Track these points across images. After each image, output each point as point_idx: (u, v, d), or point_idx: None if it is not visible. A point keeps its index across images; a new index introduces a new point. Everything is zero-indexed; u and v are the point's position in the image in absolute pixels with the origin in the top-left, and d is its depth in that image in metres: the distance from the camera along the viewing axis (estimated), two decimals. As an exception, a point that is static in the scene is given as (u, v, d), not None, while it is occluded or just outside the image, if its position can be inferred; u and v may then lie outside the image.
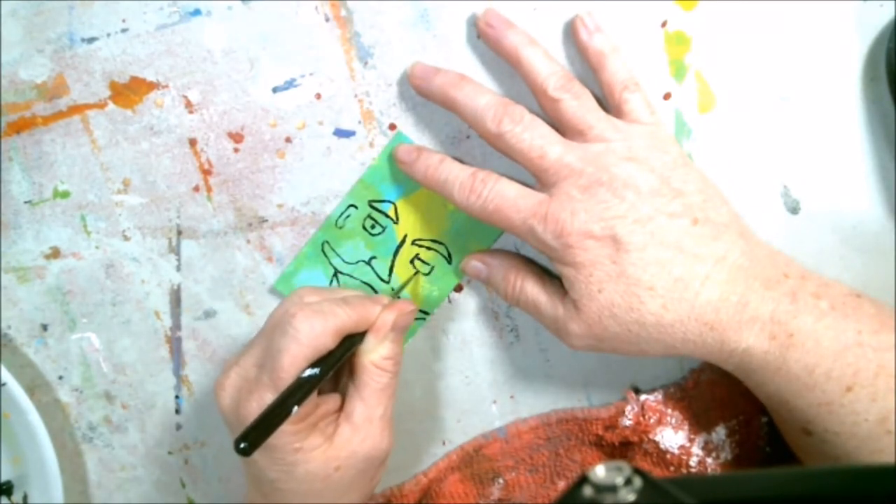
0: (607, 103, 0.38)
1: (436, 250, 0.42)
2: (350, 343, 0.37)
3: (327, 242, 0.42)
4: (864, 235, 0.41)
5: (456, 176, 0.38)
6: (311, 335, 0.35)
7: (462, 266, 0.42)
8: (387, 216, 0.42)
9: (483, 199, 0.37)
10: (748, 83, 0.40)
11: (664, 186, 0.36)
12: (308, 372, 0.35)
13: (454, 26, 0.39)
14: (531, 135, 0.36)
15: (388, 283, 0.43)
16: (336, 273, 0.43)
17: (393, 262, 0.42)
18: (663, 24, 0.39)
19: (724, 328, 0.35)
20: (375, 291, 0.43)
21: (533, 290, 0.39)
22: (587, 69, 0.39)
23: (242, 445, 0.33)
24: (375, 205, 0.42)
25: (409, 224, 0.42)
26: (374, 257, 0.42)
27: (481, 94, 0.37)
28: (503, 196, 0.37)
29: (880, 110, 0.40)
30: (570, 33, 0.38)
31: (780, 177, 0.41)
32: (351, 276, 0.43)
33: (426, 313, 0.43)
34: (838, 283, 0.36)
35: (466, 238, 0.42)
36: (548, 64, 0.37)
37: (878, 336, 0.34)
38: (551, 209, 0.36)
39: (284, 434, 0.35)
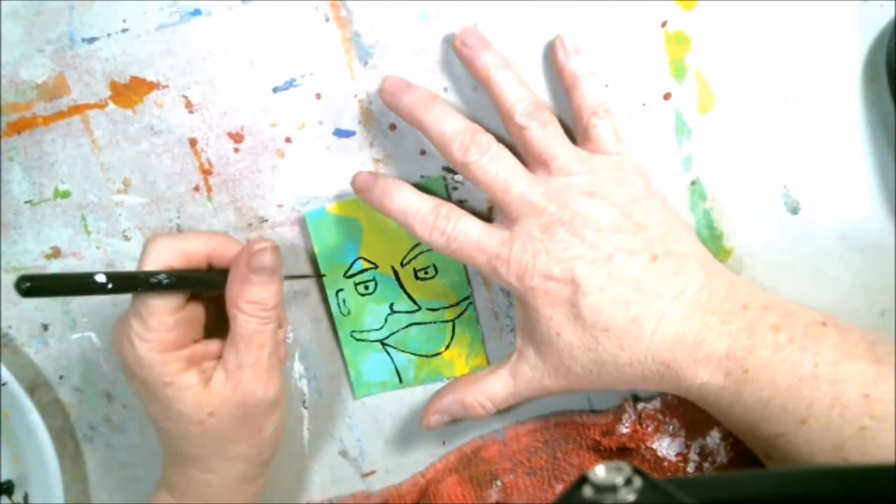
0: (576, 127, 0.38)
1: (423, 252, 0.42)
2: (211, 275, 0.37)
3: (352, 332, 0.43)
4: (864, 235, 0.41)
5: (417, 209, 0.37)
6: (156, 253, 0.36)
7: (426, 426, 0.42)
8: (365, 270, 0.42)
9: (447, 237, 0.37)
10: (748, 83, 0.40)
11: (626, 221, 0.36)
12: (155, 276, 0.35)
13: (454, 26, 0.39)
14: (496, 167, 0.36)
15: (421, 308, 0.43)
16: (383, 344, 0.43)
17: (406, 293, 0.42)
18: (663, 24, 0.39)
19: (679, 366, 0.35)
20: (425, 328, 0.43)
21: (495, 388, 0.39)
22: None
23: (25, 285, 0.31)
24: (350, 274, 0.42)
25: (385, 257, 0.42)
26: (391, 305, 0.43)
27: (449, 118, 0.37)
28: (467, 236, 0.36)
29: (880, 110, 0.40)
30: (549, 53, 0.38)
31: (780, 177, 0.41)
32: (395, 334, 0.43)
33: (467, 299, 0.42)
34: (805, 311, 0.36)
35: None
36: (518, 89, 0.37)
37: (836, 367, 0.34)
38: (514, 252, 0.36)
39: (155, 364, 0.35)
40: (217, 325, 0.39)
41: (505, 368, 0.39)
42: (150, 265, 0.36)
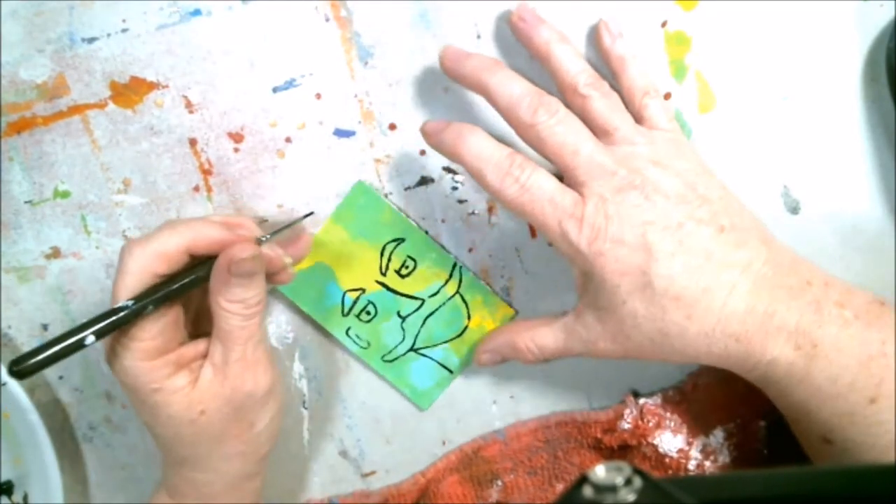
0: (627, 108, 0.38)
1: (393, 252, 0.42)
2: (195, 273, 0.36)
3: (383, 358, 0.43)
4: (864, 235, 0.41)
5: (490, 154, 0.36)
6: (132, 263, 0.35)
7: (478, 363, 0.42)
8: (357, 300, 0.42)
9: (520, 186, 0.35)
10: (748, 83, 0.40)
11: (690, 192, 0.35)
12: (121, 303, 0.34)
13: (454, 26, 0.39)
14: (565, 129, 0.35)
15: (424, 300, 0.43)
16: (415, 351, 0.43)
17: (403, 295, 0.42)
18: (663, 24, 0.39)
19: (749, 339, 0.34)
20: (439, 314, 0.43)
21: (546, 339, 0.39)
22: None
23: (14, 369, 0.32)
24: (346, 311, 0.42)
25: (365, 277, 0.42)
26: (398, 313, 0.43)
27: (515, 81, 0.36)
28: (541, 188, 0.35)
29: (880, 110, 0.40)
30: (594, 38, 0.38)
31: (780, 177, 0.41)
32: (419, 335, 0.43)
33: (455, 266, 0.42)
34: (861, 291, 0.36)
35: (370, 223, 0.41)
36: (578, 61, 0.37)
37: None
38: (587, 213, 0.35)
39: (141, 372, 0.35)
40: (204, 313, 0.39)
41: (559, 324, 0.38)
42: (130, 276, 0.35)
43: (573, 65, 0.36)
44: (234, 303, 0.35)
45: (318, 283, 0.42)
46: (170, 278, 0.36)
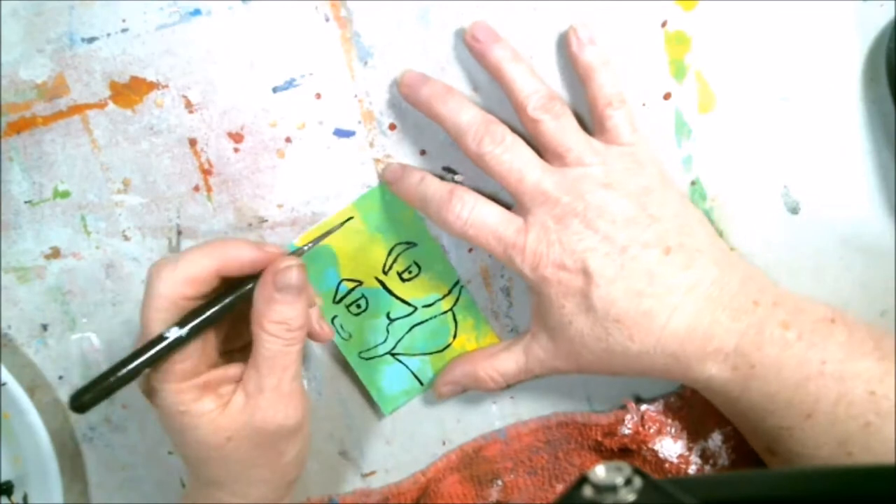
0: (591, 117, 0.38)
1: (401, 254, 0.42)
2: (236, 293, 0.36)
3: (360, 353, 0.43)
4: (864, 235, 0.41)
5: (433, 195, 0.38)
6: (162, 287, 0.34)
7: (438, 395, 0.43)
8: (352, 291, 0.42)
9: (463, 222, 0.37)
10: (748, 83, 0.40)
11: (640, 213, 0.36)
12: (171, 331, 0.34)
13: (454, 27, 0.39)
14: (511, 157, 0.36)
15: (417, 308, 0.42)
16: (392, 355, 0.43)
17: (398, 298, 0.42)
18: (663, 24, 0.39)
19: (688, 359, 0.35)
20: (427, 326, 0.43)
21: (507, 365, 0.40)
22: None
23: (76, 403, 0.33)
24: (338, 299, 0.42)
25: (366, 271, 0.42)
26: (388, 314, 0.43)
27: (465, 109, 0.37)
28: (483, 222, 0.37)
29: (880, 110, 0.40)
30: (563, 44, 0.38)
31: (780, 177, 0.41)
32: (401, 341, 0.43)
33: (457, 284, 0.42)
34: (815, 307, 0.36)
35: (390, 220, 0.41)
36: (530, 82, 0.37)
37: (842, 365, 0.34)
38: (529, 241, 0.36)
39: (168, 394, 0.35)
40: (233, 336, 0.38)
41: (518, 346, 0.40)
42: (160, 300, 0.34)
43: (525, 85, 0.37)
44: (276, 324, 0.35)
45: (319, 264, 0.41)
46: (203, 300, 0.35)
